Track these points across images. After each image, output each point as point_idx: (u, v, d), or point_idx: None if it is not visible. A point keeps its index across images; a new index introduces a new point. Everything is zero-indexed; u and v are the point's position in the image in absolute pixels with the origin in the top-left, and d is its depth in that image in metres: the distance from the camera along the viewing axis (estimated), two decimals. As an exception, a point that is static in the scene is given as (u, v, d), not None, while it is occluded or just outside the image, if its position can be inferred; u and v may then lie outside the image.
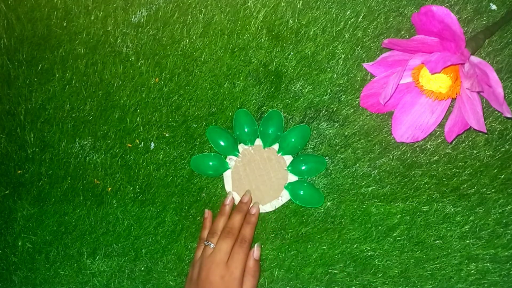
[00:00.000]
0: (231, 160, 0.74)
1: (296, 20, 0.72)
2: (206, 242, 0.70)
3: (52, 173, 0.76)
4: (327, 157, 0.73)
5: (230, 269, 0.67)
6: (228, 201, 0.73)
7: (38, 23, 0.75)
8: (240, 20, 0.73)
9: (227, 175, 0.74)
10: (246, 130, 0.73)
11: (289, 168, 0.73)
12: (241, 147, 0.74)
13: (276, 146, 0.74)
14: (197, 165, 0.74)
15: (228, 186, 0.74)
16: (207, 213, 0.74)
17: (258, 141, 0.74)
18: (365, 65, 0.70)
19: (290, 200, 0.73)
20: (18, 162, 0.76)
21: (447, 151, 0.71)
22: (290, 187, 0.73)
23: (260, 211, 0.74)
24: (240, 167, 0.74)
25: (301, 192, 0.72)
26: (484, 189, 0.70)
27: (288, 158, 0.74)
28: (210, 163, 0.74)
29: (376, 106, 0.70)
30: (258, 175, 0.74)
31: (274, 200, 0.74)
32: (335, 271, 0.73)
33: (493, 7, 0.69)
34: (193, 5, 0.73)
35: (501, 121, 0.70)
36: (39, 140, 0.76)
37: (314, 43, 0.72)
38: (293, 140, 0.72)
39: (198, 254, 0.71)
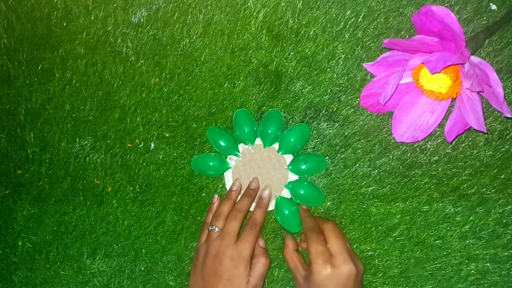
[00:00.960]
0: (232, 160, 0.74)
1: (296, 20, 0.72)
2: (210, 227, 0.70)
3: (52, 173, 0.76)
4: (327, 157, 0.72)
5: (239, 249, 0.67)
6: (235, 187, 0.73)
7: (38, 23, 0.75)
8: (240, 20, 0.73)
9: (228, 175, 0.74)
10: (246, 130, 0.73)
11: (290, 167, 0.73)
12: (241, 146, 0.74)
13: (276, 146, 0.74)
14: (198, 166, 0.74)
15: (229, 186, 0.74)
16: (216, 198, 0.74)
17: (258, 141, 0.74)
18: (365, 65, 0.70)
19: (290, 199, 0.73)
20: (18, 162, 0.76)
21: (447, 151, 0.71)
22: (291, 186, 0.73)
23: None
24: (240, 166, 0.74)
25: (302, 191, 0.72)
26: (484, 189, 0.70)
27: (288, 157, 0.74)
28: (211, 163, 0.73)
29: (376, 106, 0.70)
30: (259, 174, 0.74)
31: (275, 199, 0.74)
32: (335, 271, 0.72)
33: (493, 7, 0.69)
34: (193, 5, 0.73)
35: (501, 121, 0.70)
36: (39, 140, 0.76)
37: (314, 43, 0.72)
38: (292, 139, 0.72)
39: (203, 238, 0.71)
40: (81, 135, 0.75)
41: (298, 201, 0.73)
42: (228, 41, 0.73)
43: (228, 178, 0.74)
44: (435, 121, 0.68)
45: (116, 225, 0.75)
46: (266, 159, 0.74)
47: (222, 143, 0.73)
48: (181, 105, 0.74)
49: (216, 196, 0.74)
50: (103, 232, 0.76)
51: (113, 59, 0.74)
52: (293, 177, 0.74)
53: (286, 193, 0.74)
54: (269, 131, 0.72)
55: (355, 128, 0.72)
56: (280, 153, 0.73)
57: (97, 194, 0.76)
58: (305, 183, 0.73)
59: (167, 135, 0.75)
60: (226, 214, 0.71)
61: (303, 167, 0.72)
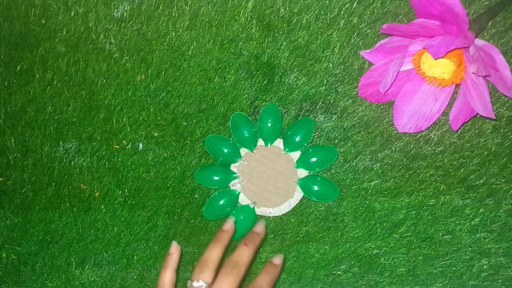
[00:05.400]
0: (235, 185, 0.72)
1: (287, 8, 0.70)
2: (194, 282, 0.56)
3: (35, 179, 0.74)
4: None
5: None
6: (228, 226, 0.63)
7: (15, 22, 0.73)
8: (229, 10, 0.71)
9: (234, 183, 0.72)
10: (245, 134, 0.70)
11: (299, 164, 0.71)
12: (243, 151, 0.72)
13: (280, 144, 0.71)
14: (202, 180, 0.72)
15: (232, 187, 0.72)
16: (174, 246, 0.62)
17: (260, 141, 0.72)
18: (362, 53, 0.67)
19: (304, 196, 0.71)
20: (-1, 169, 0.75)
21: (452, 140, 0.69)
22: (303, 183, 0.71)
23: (278, 214, 0.71)
24: (245, 172, 0.72)
25: (316, 188, 0.70)
26: (494, 179, 0.69)
27: (295, 154, 0.71)
28: (216, 178, 0.71)
29: (376, 96, 0.68)
30: (267, 176, 0.72)
31: (288, 199, 0.71)
32: (339, 272, 0.71)
33: (495, -14, 0.67)
34: (178, -4, 0.71)
35: (509, 107, 0.68)
36: (20, 145, 0.74)
37: (307, 31, 0.70)
38: (298, 138, 0.70)
39: None
40: (65, 138, 0.73)
41: (312, 197, 0.70)
42: (216, 33, 0.71)
43: (235, 187, 0.72)
44: (439, 109, 0.66)
45: (105, 231, 0.74)
46: (272, 159, 0.72)
47: (225, 150, 0.71)
48: (169, 103, 0.72)
49: (174, 244, 0.62)
50: (92, 239, 0.74)
51: (96, 57, 0.72)
52: (302, 174, 0.71)
53: (300, 191, 0.71)
54: (268, 125, 0.70)
55: (354, 119, 0.70)
56: (285, 151, 0.71)
57: (84, 200, 0.74)
58: (318, 178, 0.70)
59: (155, 134, 0.72)
60: (217, 264, 0.58)
61: (313, 159, 0.70)
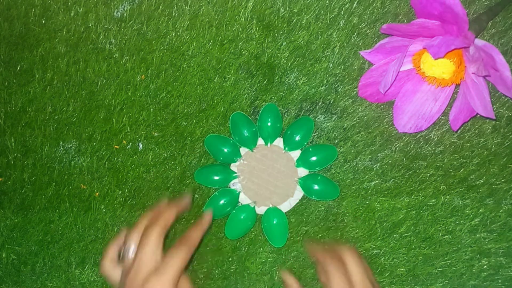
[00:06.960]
0: (236, 184, 0.71)
1: (287, 8, 0.69)
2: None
3: (35, 179, 0.73)
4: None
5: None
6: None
7: (15, 22, 0.72)
8: (229, 10, 0.70)
9: (235, 183, 0.71)
10: (245, 133, 0.70)
11: (299, 163, 0.70)
12: (243, 150, 0.71)
13: (280, 143, 0.71)
14: (202, 179, 0.71)
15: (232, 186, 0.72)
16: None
17: (260, 141, 0.71)
18: (362, 53, 0.67)
19: (304, 195, 0.71)
20: (-1, 169, 0.74)
21: (452, 140, 0.68)
22: (303, 182, 0.70)
23: None
24: (246, 172, 0.71)
25: (316, 186, 0.69)
26: (494, 179, 0.68)
27: (295, 153, 0.71)
28: (216, 178, 0.71)
29: (376, 96, 0.68)
30: (267, 176, 0.71)
31: (289, 198, 0.71)
32: (339, 272, 0.70)
33: (495, -14, 0.67)
34: (178, -4, 0.71)
35: (509, 107, 0.67)
36: (20, 145, 0.73)
37: (307, 31, 0.69)
38: (298, 137, 0.69)
39: None
40: (65, 138, 0.73)
41: (313, 197, 0.70)
42: (216, 33, 0.71)
43: (235, 186, 0.72)
44: (439, 109, 0.66)
45: (105, 231, 0.73)
46: (273, 159, 0.71)
47: (225, 150, 0.70)
48: (169, 103, 0.72)
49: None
50: (92, 239, 0.73)
51: (96, 57, 0.72)
52: (302, 173, 0.71)
53: (300, 190, 0.70)
54: (268, 124, 0.69)
55: (354, 120, 0.70)
56: (285, 150, 0.71)
57: (84, 200, 0.73)
58: (319, 177, 0.70)
59: (155, 134, 0.72)
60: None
61: (313, 158, 0.69)
